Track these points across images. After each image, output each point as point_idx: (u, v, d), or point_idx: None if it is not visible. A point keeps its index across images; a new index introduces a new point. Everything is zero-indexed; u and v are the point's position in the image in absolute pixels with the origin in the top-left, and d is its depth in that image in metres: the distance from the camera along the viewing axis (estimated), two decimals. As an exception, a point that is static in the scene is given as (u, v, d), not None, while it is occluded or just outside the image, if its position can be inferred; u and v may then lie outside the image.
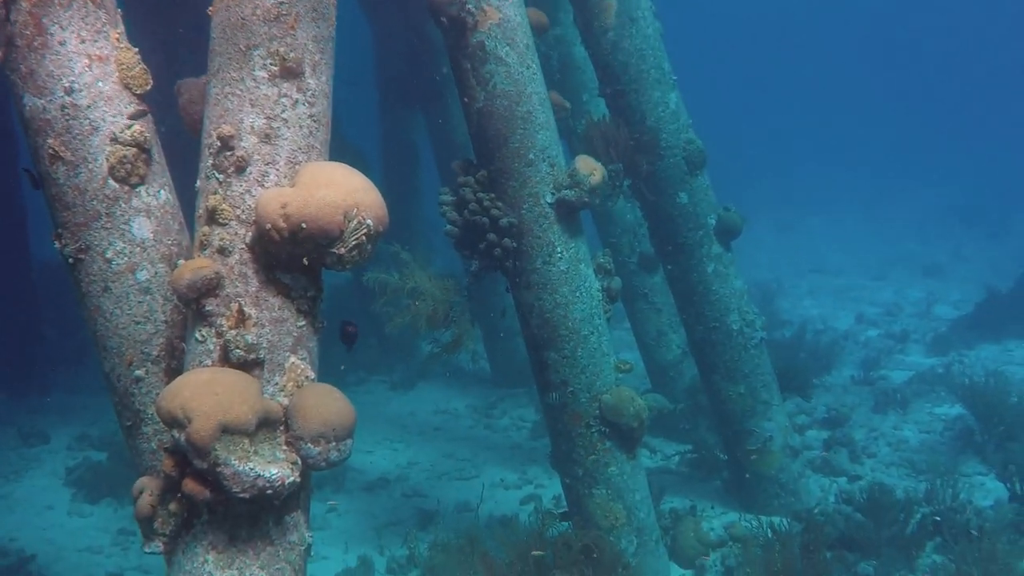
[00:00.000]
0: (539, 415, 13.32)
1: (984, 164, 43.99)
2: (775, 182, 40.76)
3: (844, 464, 12.18)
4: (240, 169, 4.87)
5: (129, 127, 5.17)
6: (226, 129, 4.89)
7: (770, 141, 52.31)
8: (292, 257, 4.77)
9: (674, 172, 10.44)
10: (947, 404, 14.44)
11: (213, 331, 4.78)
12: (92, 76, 5.09)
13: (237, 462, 4.36)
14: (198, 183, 5.04)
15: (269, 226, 4.61)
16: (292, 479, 4.54)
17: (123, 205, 5.17)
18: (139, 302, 5.20)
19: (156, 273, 5.24)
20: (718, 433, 11.60)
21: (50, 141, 5.05)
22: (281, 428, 4.67)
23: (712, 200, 10.67)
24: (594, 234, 12.91)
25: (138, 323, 5.21)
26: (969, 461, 12.16)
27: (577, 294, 8.38)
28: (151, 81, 5.33)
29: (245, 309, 4.75)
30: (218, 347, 4.76)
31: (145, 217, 5.23)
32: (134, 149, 5.17)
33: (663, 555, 9.22)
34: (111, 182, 5.13)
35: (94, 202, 5.11)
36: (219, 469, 4.35)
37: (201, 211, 4.95)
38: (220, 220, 4.84)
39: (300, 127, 5.01)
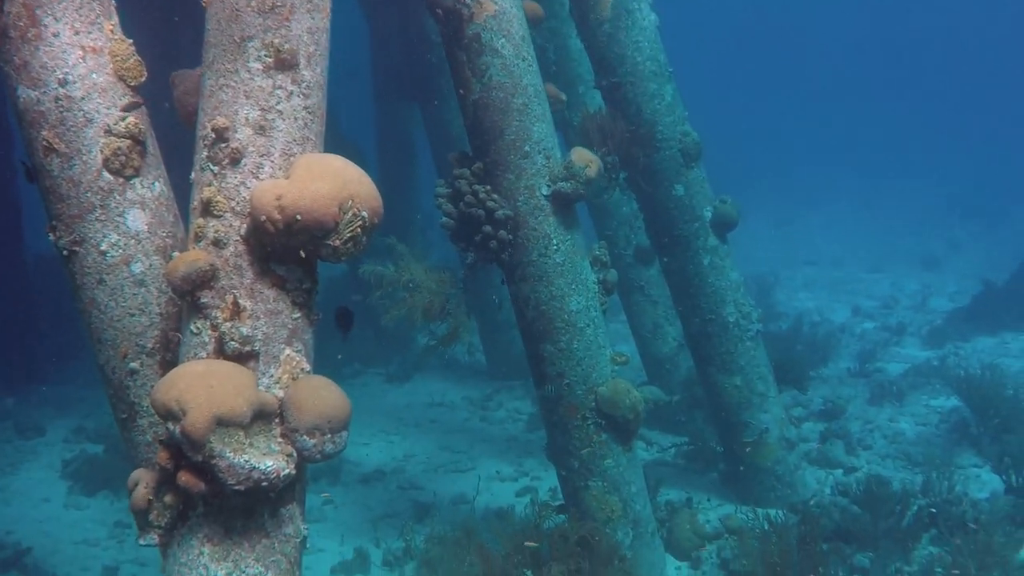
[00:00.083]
0: (535, 407, 13.34)
1: (981, 159, 44.04)
2: (772, 176, 40.76)
3: (840, 456, 12.19)
4: (235, 161, 4.86)
5: (123, 119, 5.16)
6: (221, 121, 4.87)
7: (767, 135, 52.37)
8: (287, 249, 4.76)
9: (670, 164, 10.44)
10: (943, 396, 14.47)
11: (208, 323, 4.76)
12: (86, 68, 5.08)
13: (232, 454, 4.35)
14: (193, 175, 5.02)
15: (264, 218, 4.60)
16: (287, 471, 4.53)
17: (118, 197, 5.16)
18: (134, 294, 5.19)
19: (151, 265, 5.22)
20: (714, 425, 11.60)
21: (44, 133, 5.04)
22: (276, 420, 4.66)
23: (708, 192, 10.67)
24: (590, 227, 12.92)
25: (133, 315, 5.20)
26: (965, 453, 12.19)
27: (573, 286, 8.37)
28: (145, 73, 5.32)
29: (240, 301, 4.74)
30: (213, 339, 4.75)
31: (140, 209, 5.22)
32: (128, 141, 5.16)
33: (659, 547, 9.23)
34: (105, 174, 5.12)
35: (88, 194, 5.09)
36: (214, 461, 4.34)
37: (196, 203, 4.93)
38: (215, 212, 4.82)
39: (295, 119, 4.99)
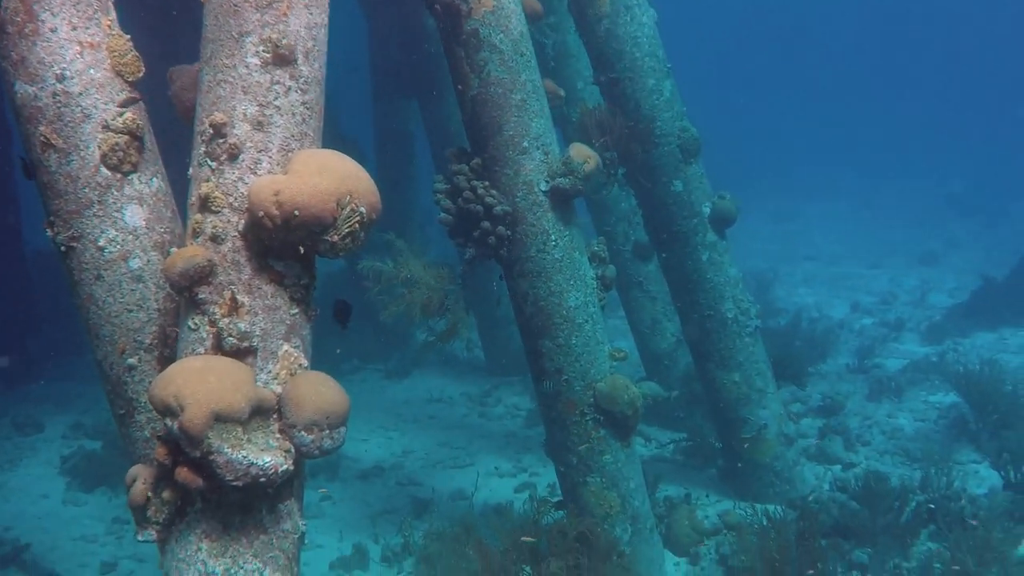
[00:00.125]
0: (534, 403, 13.34)
1: (980, 158, 43.99)
2: (771, 173, 40.78)
3: (839, 452, 12.20)
4: (233, 156, 4.85)
5: (121, 114, 5.15)
6: (218, 116, 4.86)
7: (766, 131, 52.33)
8: (285, 245, 4.75)
9: (668, 160, 10.44)
10: (942, 392, 14.47)
11: (206, 319, 4.76)
12: (84, 63, 5.07)
13: (230, 450, 4.35)
14: (191, 171, 5.02)
15: (262, 213, 4.59)
16: (285, 467, 4.53)
17: (115, 193, 5.16)
18: (132, 290, 5.19)
19: (149, 261, 5.22)
20: (713, 421, 11.60)
21: (42, 129, 5.04)
22: (274, 416, 4.66)
23: (707, 188, 10.67)
24: (588, 222, 12.91)
25: (131, 311, 5.20)
26: (963, 449, 12.19)
27: (571, 282, 8.37)
28: (143, 68, 5.31)
29: (238, 297, 4.74)
30: (211, 335, 4.75)
31: (137, 205, 5.22)
32: (126, 137, 5.16)
33: (658, 543, 9.23)
34: (103, 170, 5.12)
35: (86, 190, 5.09)
36: (212, 457, 4.34)
37: (194, 199, 4.93)
38: (213, 208, 4.82)
39: (293, 114, 4.99)
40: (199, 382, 4.38)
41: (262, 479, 4.43)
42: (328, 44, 5.35)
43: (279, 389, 4.74)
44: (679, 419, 12.85)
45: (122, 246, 5.16)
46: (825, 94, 68.35)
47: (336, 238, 4.71)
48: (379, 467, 12.22)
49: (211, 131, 4.87)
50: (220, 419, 4.34)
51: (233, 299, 4.73)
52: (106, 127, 5.10)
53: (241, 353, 4.71)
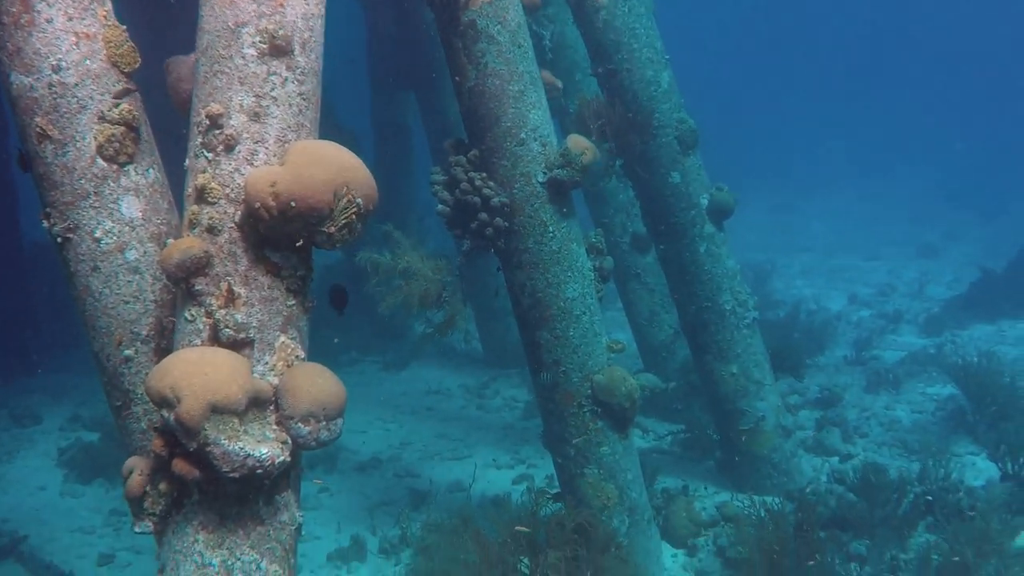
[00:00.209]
0: (531, 395, 13.33)
1: (980, 151, 43.96)
2: (770, 165, 40.77)
3: (836, 444, 12.20)
4: (229, 148, 4.84)
5: (117, 105, 5.14)
6: (215, 108, 4.85)
7: (765, 124, 52.27)
8: (281, 236, 4.75)
9: (666, 152, 10.42)
10: (939, 384, 14.47)
11: (202, 310, 4.76)
12: (80, 54, 5.06)
13: (227, 441, 4.35)
14: (187, 162, 5.01)
15: (258, 205, 4.59)
16: (282, 459, 4.52)
17: (111, 184, 5.15)
18: (128, 281, 5.18)
19: (145, 252, 5.22)
20: (711, 413, 11.60)
21: (38, 120, 5.02)
22: (271, 408, 4.66)
23: (704, 180, 10.66)
24: (586, 214, 12.90)
25: (127, 303, 5.19)
26: (961, 441, 12.19)
27: (569, 274, 8.35)
28: (139, 59, 5.30)
29: (234, 288, 4.73)
30: (207, 326, 4.74)
31: (134, 196, 5.21)
32: (122, 128, 5.15)
33: (655, 535, 9.23)
34: (99, 161, 5.11)
35: (82, 181, 5.08)
36: (208, 449, 4.33)
37: (190, 190, 4.92)
38: (209, 199, 4.81)
39: (289, 105, 4.98)
40: (196, 373, 4.37)
41: (259, 471, 4.43)
42: (325, 35, 5.34)
43: (276, 381, 4.74)
44: (677, 411, 12.85)
45: (118, 237, 5.15)
46: (825, 85, 68.31)
47: (333, 229, 4.71)
48: (377, 459, 12.22)
49: (207, 122, 4.86)
50: (217, 410, 4.34)
51: (230, 290, 4.72)
52: (102, 118, 5.09)
53: (238, 344, 4.71)
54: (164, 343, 5.21)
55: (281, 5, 4.98)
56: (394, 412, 14.01)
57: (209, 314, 4.73)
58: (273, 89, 4.93)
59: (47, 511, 10.75)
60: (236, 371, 4.47)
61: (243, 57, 4.91)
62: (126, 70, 5.23)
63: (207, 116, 4.86)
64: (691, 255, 10.64)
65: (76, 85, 5.04)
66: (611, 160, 9.73)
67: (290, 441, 4.62)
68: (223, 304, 4.71)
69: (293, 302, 4.90)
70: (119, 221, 5.15)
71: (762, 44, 75.58)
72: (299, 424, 4.62)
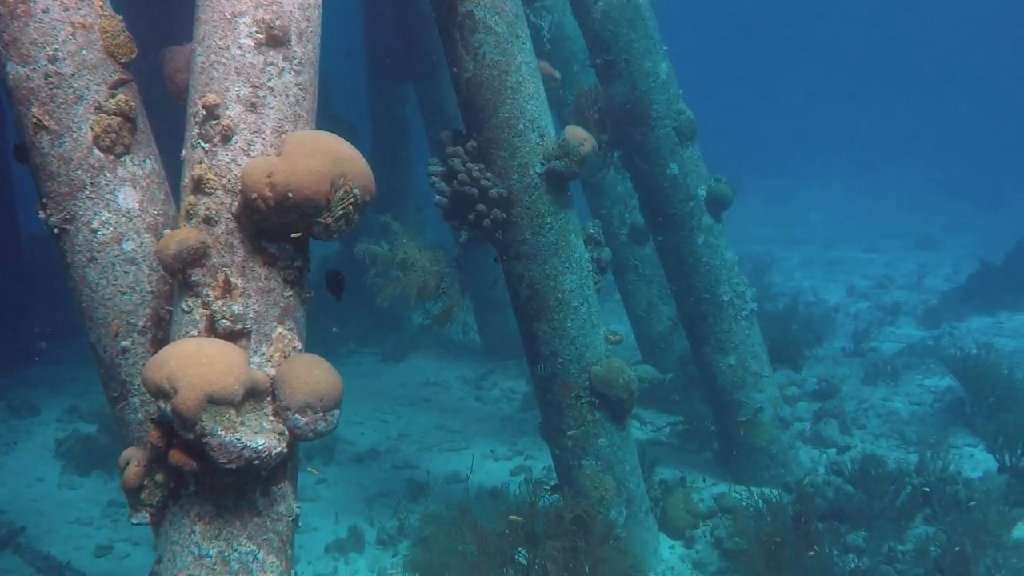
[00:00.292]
0: (529, 387, 13.33)
1: (979, 144, 44.00)
2: (768, 156, 40.76)
3: (834, 435, 12.20)
4: (226, 138, 4.83)
5: (114, 96, 5.12)
6: (211, 98, 4.84)
7: (764, 116, 52.29)
8: (279, 227, 4.74)
9: (664, 143, 10.41)
10: (937, 376, 14.49)
11: (199, 301, 4.75)
12: (76, 44, 5.04)
13: (223, 432, 4.35)
14: (184, 152, 5.00)
15: (255, 195, 4.58)
16: (279, 449, 4.52)
17: (108, 175, 5.13)
18: (125, 272, 5.17)
19: (142, 243, 5.21)
20: (709, 405, 11.59)
21: (34, 110, 5.01)
22: (268, 399, 4.65)
23: (703, 171, 10.64)
24: (584, 205, 12.88)
25: (124, 293, 5.18)
26: (959, 433, 12.20)
27: (567, 265, 8.35)
28: (136, 49, 5.29)
29: (231, 279, 4.72)
30: (204, 317, 4.73)
31: (130, 187, 5.20)
32: (119, 118, 5.14)
33: (653, 526, 9.24)
34: (96, 151, 5.09)
35: (79, 172, 5.07)
36: (205, 440, 4.33)
37: (187, 181, 4.91)
38: (206, 190, 4.80)
39: (286, 96, 4.96)
40: (192, 364, 4.37)
41: (256, 462, 4.43)
42: (322, 26, 5.32)
43: (273, 371, 4.73)
44: (675, 402, 12.85)
45: (115, 228, 5.14)
46: (823, 77, 68.33)
47: (330, 220, 4.70)
48: (375, 450, 12.21)
49: (204, 112, 4.85)
50: (213, 401, 4.33)
51: (227, 281, 4.71)
52: (99, 108, 5.08)
53: (235, 335, 4.70)
54: (161, 334, 5.21)
55: (278, -5, 4.97)
56: (392, 403, 14.01)
57: (206, 305, 4.72)
58: (270, 79, 4.92)
59: (45, 502, 10.74)
60: (233, 362, 4.46)
61: (240, 47, 4.90)
62: (122, 60, 5.22)
63: (204, 106, 4.84)
64: (689, 246, 10.63)
65: (72, 75, 5.02)
66: (609, 151, 9.70)
67: (287, 432, 4.62)
68: (220, 295, 4.71)
69: (290, 293, 4.89)
70: (116, 212, 5.14)
71: (761, 34, 75.59)
72: (296, 415, 4.61)
